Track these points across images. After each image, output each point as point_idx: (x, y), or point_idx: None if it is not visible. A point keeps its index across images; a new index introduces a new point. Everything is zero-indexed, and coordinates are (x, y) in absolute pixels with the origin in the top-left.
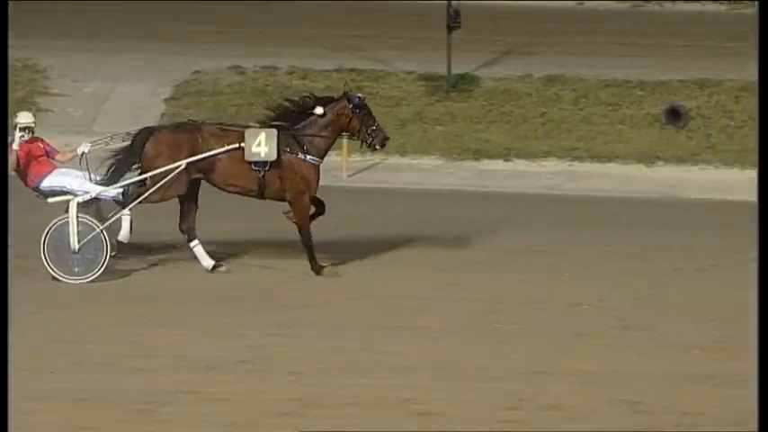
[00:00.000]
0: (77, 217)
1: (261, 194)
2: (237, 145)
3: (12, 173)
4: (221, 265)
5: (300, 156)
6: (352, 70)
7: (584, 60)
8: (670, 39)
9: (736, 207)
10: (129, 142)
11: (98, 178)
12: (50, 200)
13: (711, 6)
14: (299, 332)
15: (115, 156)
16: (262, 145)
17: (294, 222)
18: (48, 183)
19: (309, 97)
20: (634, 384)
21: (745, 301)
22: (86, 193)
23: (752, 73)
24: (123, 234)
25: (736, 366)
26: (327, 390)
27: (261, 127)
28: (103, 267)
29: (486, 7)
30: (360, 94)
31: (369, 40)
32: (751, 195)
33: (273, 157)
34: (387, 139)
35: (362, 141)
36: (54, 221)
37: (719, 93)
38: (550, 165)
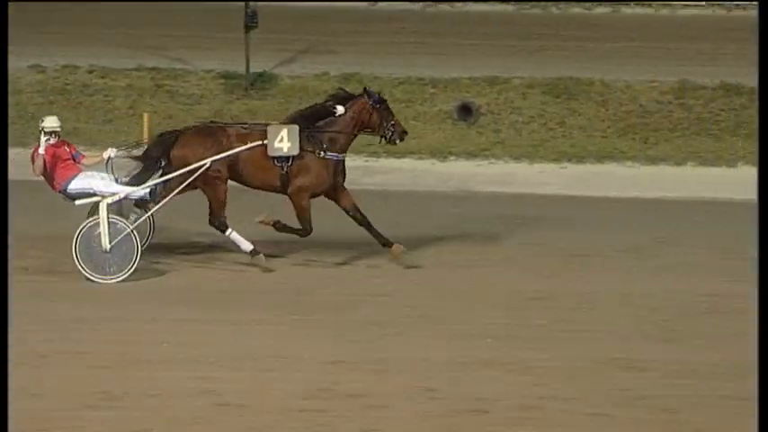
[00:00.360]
0: (108, 218)
1: (284, 190)
2: (261, 141)
3: (38, 177)
4: (259, 253)
5: (320, 153)
6: (153, 69)
7: (379, 59)
8: (461, 38)
9: (524, 199)
10: (151, 145)
11: (121, 180)
12: (78, 202)
13: (500, 6)
14: (100, 326)
15: (140, 158)
16: (284, 140)
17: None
18: (75, 185)
19: (330, 99)
20: (429, 372)
21: (533, 290)
22: (114, 194)
23: (539, 70)
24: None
25: (525, 354)
26: (130, 382)
27: (283, 123)
28: (134, 266)
29: (283, 8)
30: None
31: (168, 39)
32: (539, 188)
33: (296, 151)
34: (405, 133)
35: (382, 136)
36: (84, 223)
37: (508, 90)
38: (347, 160)
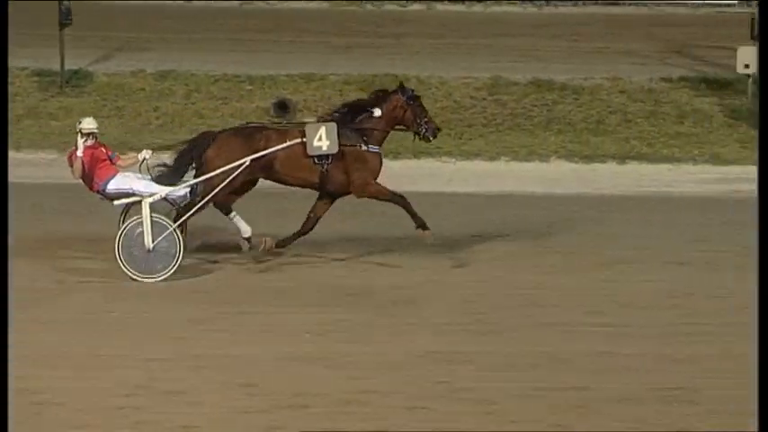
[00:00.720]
0: (152, 217)
1: (323, 188)
2: (299, 140)
3: (77, 179)
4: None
5: (363, 147)
6: None
7: (195, 56)
8: (278, 35)
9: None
10: (188, 145)
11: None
12: (116, 202)
13: (315, 4)
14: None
15: (174, 158)
16: (323, 139)
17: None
18: (113, 186)
19: (372, 95)
20: (247, 368)
21: (350, 285)
22: (153, 194)
23: (355, 67)
24: (244, 230)
25: (344, 348)
26: None
27: (320, 122)
28: (177, 265)
29: (98, 5)
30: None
31: None
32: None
33: (335, 149)
34: (438, 129)
35: (415, 133)
36: (127, 223)
37: (325, 86)
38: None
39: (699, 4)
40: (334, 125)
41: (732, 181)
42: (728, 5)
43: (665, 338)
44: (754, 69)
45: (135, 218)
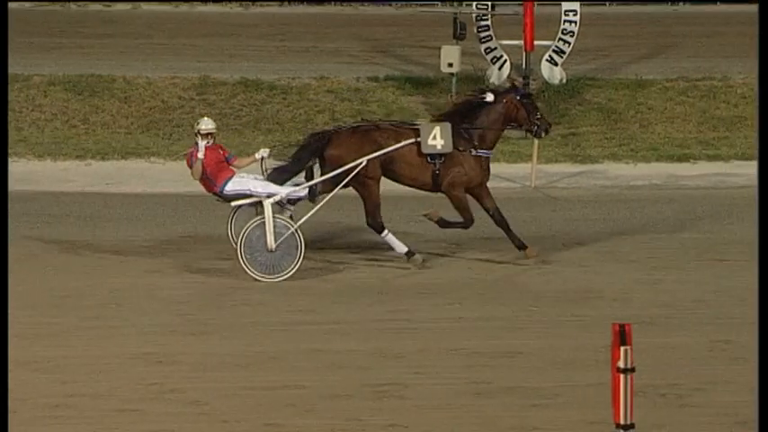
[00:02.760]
0: (274, 217)
1: (436, 187)
2: (414, 139)
3: (196, 180)
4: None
5: (471, 151)
6: None
7: None
8: None
9: (48, 197)
10: (305, 144)
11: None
12: (234, 203)
13: (15, 4)
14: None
15: (291, 157)
16: (437, 138)
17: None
18: (231, 187)
19: (476, 92)
20: None
21: (65, 288)
22: (273, 194)
23: (60, 67)
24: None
25: (52, 352)
26: None
27: (434, 121)
28: (298, 265)
29: None
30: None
31: None
32: (63, 185)
33: (450, 149)
34: (550, 126)
35: (527, 131)
36: (249, 224)
37: (29, 87)
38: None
39: (403, 3)
40: (448, 125)
41: None
42: (431, 5)
43: (374, 334)
44: (457, 68)
45: (257, 218)
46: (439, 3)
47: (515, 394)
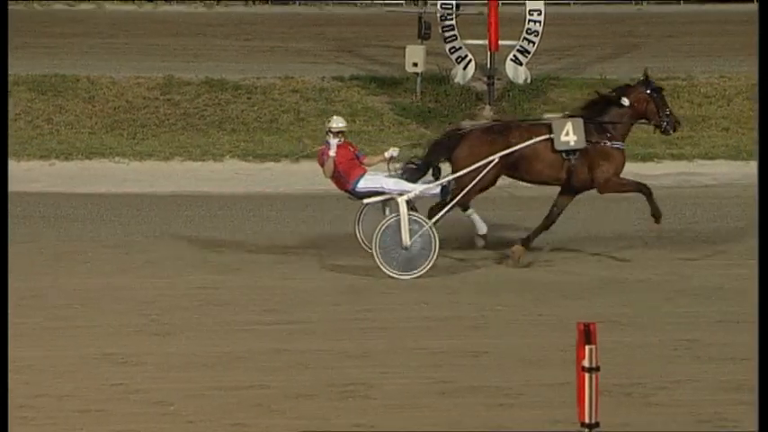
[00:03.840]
0: (409, 215)
1: (568, 183)
2: (546, 136)
3: (328, 178)
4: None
5: (606, 143)
6: None
7: None
8: None
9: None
10: (436, 142)
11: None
12: (366, 201)
13: None
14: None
15: (423, 156)
16: (570, 134)
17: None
18: (363, 184)
19: (613, 91)
20: None
21: (26, 289)
22: (405, 192)
23: (24, 67)
24: (480, 227)
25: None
26: None
27: (566, 117)
28: (432, 262)
29: None
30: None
31: None
32: (28, 186)
33: (582, 144)
34: (679, 123)
35: (656, 126)
36: (384, 221)
37: None
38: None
39: (367, 3)
40: (580, 120)
41: None
42: (396, 5)
43: (340, 334)
44: (422, 68)
45: (391, 216)
46: (404, 2)
47: (481, 393)
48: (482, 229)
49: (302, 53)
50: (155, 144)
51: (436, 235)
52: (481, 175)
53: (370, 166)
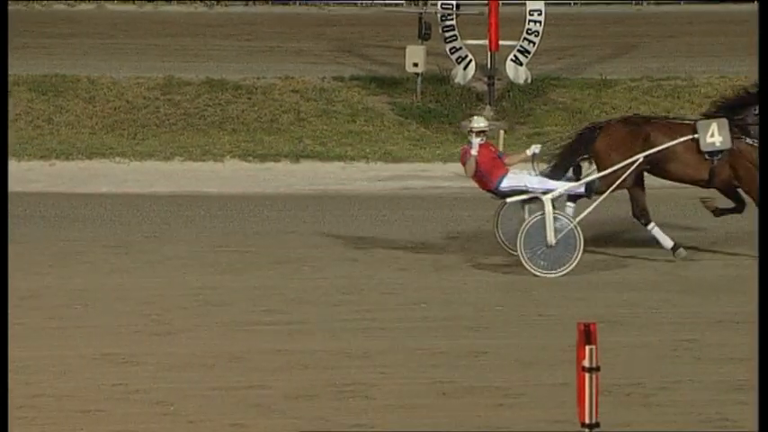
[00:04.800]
0: (554, 213)
1: (709, 183)
2: (691, 136)
3: (470, 178)
4: (680, 249)
5: (749, 142)
6: None
7: None
8: None
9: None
10: (574, 138)
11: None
12: (509, 200)
13: None
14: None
15: (560, 152)
16: (715, 135)
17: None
18: (507, 183)
19: (748, 91)
20: None
21: (26, 289)
22: (550, 190)
23: (24, 67)
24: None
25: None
26: None
27: (709, 118)
28: (576, 261)
29: None
30: None
31: None
32: (28, 186)
33: (728, 145)
34: None
35: None
36: (528, 220)
37: None
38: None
39: (367, 3)
40: (725, 121)
41: (403, 178)
42: (396, 5)
43: (340, 334)
44: (422, 68)
45: (537, 214)
46: (404, 3)
47: (481, 394)
48: (667, 244)
49: (302, 53)
50: (155, 144)
51: (580, 233)
52: (627, 173)
53: (511, 164)
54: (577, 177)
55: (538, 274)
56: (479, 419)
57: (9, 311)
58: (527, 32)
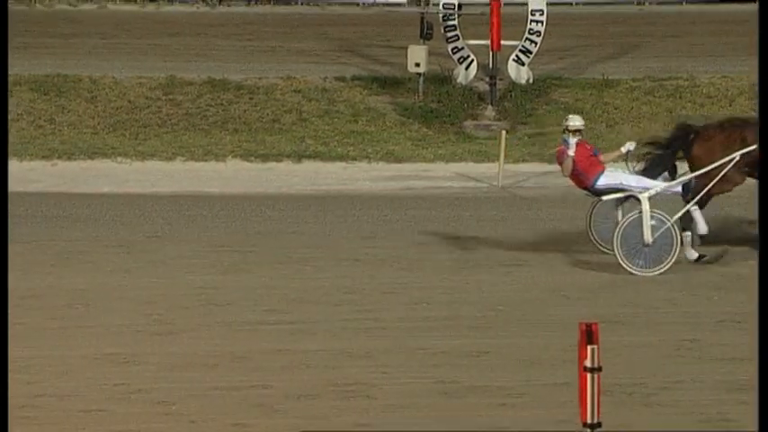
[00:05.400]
0: (650, 211)
1: None
2: None
3: (566, 176)
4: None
5: None
6: None
7: None
8: None
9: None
10: (669, 139)
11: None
12: (605, 198)
13: None
14: None
15: (656, 152)
16: None
17: None
18: (604, 181)
19: None
20: None
21: (26, 288)
22: (647, 188)
23: (26, 67)
24: (701, 228)
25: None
26: None
27: None
28: (673, 260)
29: None
30: None
31: None
32: (30, 186)
33: None
34: None
35: None
36: (625, 219)
37: None
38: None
39: (369, 3)
40: None
41: (405, 178)
42: (398, 5)
43: (341, 334)
44: (424, 68)
45: (633, 213)
46: (406, 3)
47: (482, 394)
48: (702, 229)
49: (304, 53)
50: (157, 144)
51: (678, 231)
52: (722, 173)
53: (606, 162)
54: (672, 177)
55: (635, 272)
56: (481, 419)
57: (10, 311)
58: (529, 32)
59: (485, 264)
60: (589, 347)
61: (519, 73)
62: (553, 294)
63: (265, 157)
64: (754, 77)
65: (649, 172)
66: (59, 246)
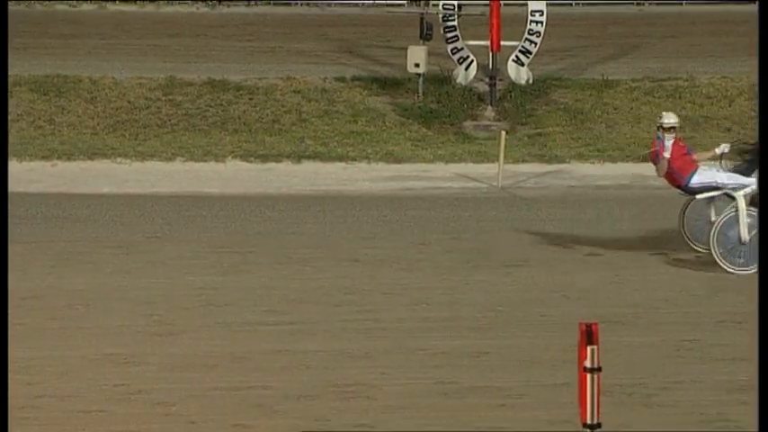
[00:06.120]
0: (746, 210)
1: None
2: None
3: (661, 177)
4: None
5: None
6: None
7: None
8: None
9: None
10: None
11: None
12: (699, 196)
13: None
14: None
15: (751, 151)
16: None
17: None
18: (698, 179)
19: None
20: None
21: (27, 289)
22: (742, 186)
23: (25, 68)
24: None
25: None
26: None
27: None
28: None
29: None
30: None
31: None
32: (29, 186)
33: None
34: None
35: None
36: (722, 216)
37: None
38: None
39: (369, 4)
40: None
41: (405, 178)
42: (398, 6)
43: (341, 335)
44: (423, 69)
45: (729, 211)
46: (405, 3)
47: (482, 394)
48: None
49: (304, 54)
50: (156, 144)
51: None
52: None
53: (700, 161)
54: None
55: (733, 271)
56: (481, 420)
57: (10, 312)
58: (528, 33)
59: (485, 264)
60: (589, 348)
61: (519, 73)
62: (553, 294)
63: (265, 158)
64: (754, 78)
65: (742, 171)
66: (59, 246)
